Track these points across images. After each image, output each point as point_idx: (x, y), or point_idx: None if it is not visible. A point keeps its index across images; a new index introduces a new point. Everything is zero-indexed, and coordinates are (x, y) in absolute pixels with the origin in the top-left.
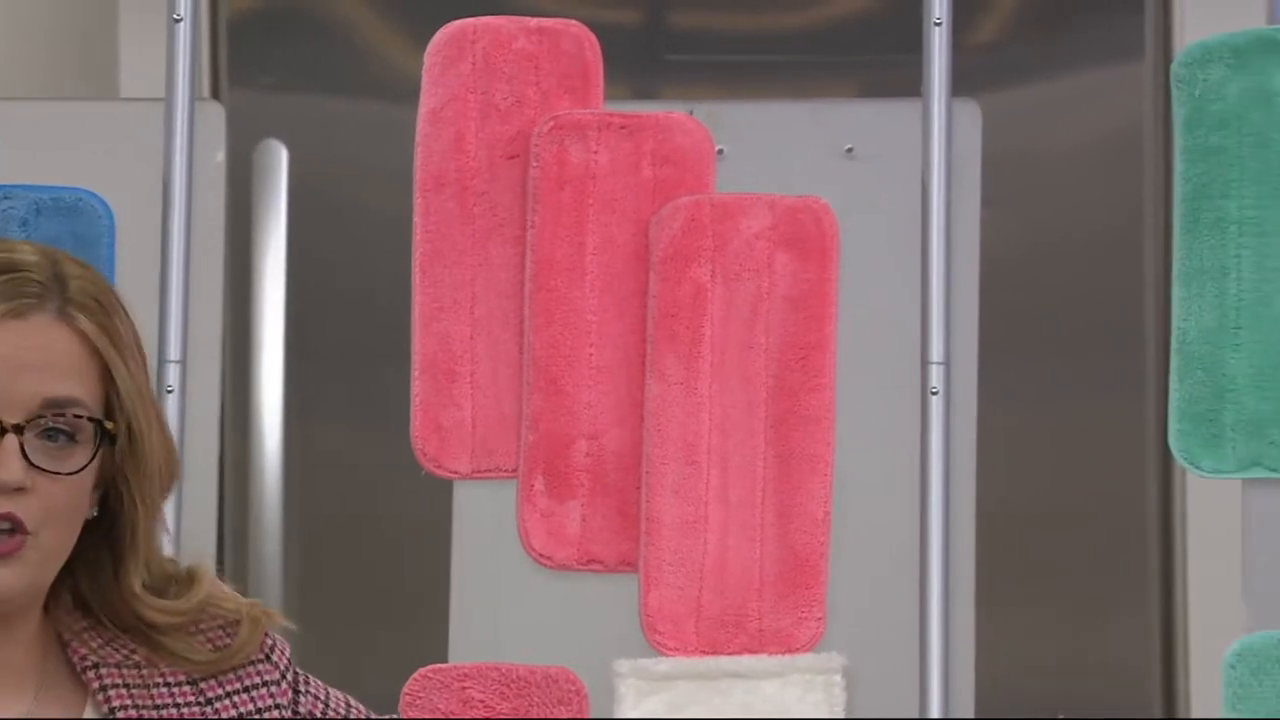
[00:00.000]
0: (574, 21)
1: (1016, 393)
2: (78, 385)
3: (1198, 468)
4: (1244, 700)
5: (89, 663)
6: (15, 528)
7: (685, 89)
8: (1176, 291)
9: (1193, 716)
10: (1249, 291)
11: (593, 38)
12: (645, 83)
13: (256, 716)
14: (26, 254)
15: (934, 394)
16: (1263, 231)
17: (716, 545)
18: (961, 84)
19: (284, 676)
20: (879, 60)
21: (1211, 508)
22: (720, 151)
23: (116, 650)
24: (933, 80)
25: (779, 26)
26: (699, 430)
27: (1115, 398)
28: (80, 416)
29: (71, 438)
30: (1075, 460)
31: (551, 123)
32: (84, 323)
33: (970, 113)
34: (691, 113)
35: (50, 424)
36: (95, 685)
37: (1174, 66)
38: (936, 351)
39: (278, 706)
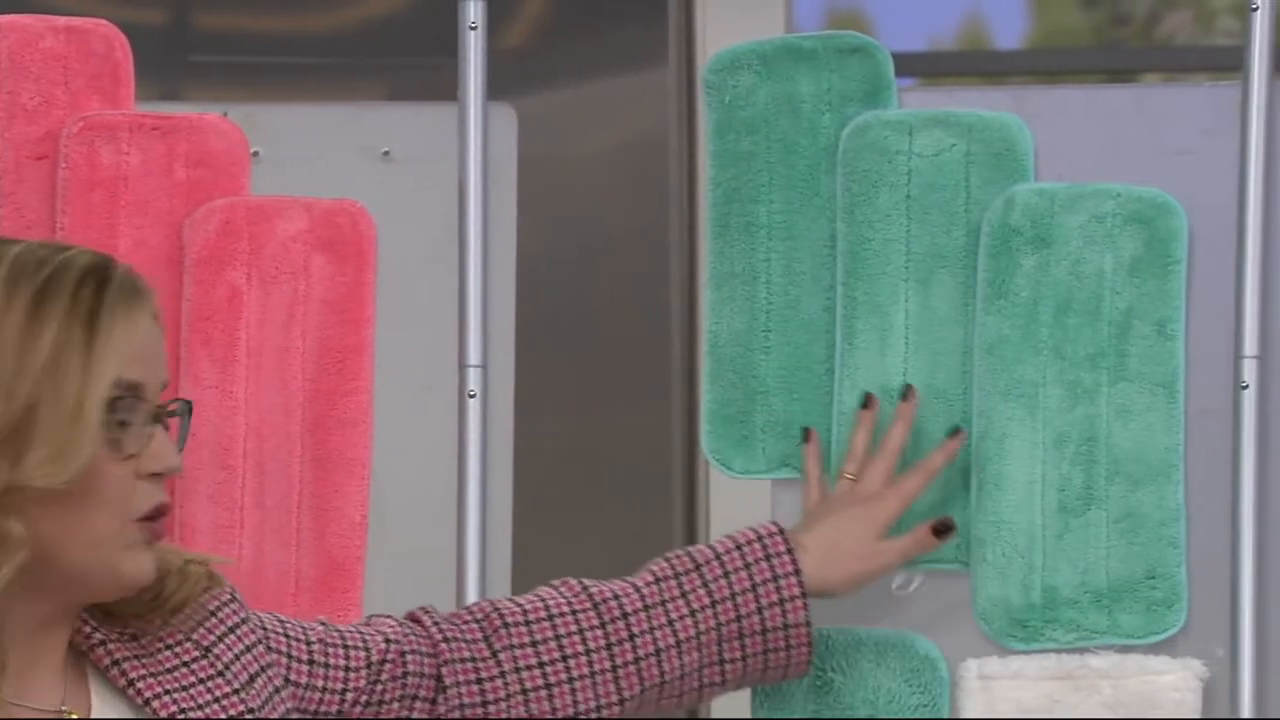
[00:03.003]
0: (103, 21)
1: (551, 395)
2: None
3: (729, 469)
4: (770, 698)
5: (94, 640)
6: (164, 513)
7: (213, 90)
8: (708, 295)
9: (714, 716)
10: (778, 295)
11: (123, 37)
12: (172, 84)
13: (250, 650)
14: (96, 253)
15: (471, 397)
16: (791, 236)
17: (252, 550)
18: (494, 88)
19: (247, 614)
20: (410, 63)
21: (737, 507)
22: (255, 154)
23: (109, 627)
24: (469, 84)
25: (309, 28)
26: (234, 435)
27: (643, 398)
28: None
29: None
30: (606, 461)
31: (81, 123)
32: (158, 317)
33: (505, 116)
34: (226, 114)
35: (169, 411)
36: (107, 661)
37: (704, 73)
38: (473, 355)
39: (258, 642)
